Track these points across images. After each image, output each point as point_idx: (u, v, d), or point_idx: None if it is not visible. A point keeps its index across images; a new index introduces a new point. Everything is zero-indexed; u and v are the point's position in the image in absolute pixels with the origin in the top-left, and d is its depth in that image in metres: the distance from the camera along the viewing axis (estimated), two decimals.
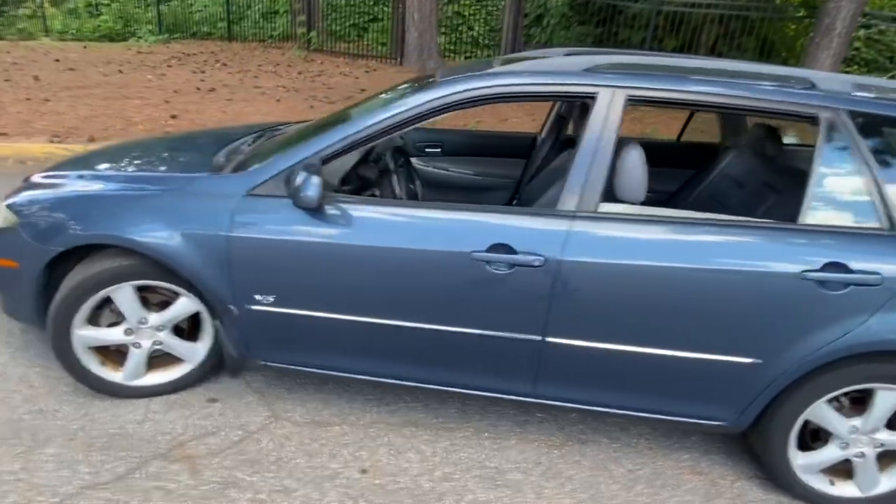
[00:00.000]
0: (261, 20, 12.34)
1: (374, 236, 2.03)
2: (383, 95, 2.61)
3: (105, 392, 2.38)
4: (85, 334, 2.25)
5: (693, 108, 2.03)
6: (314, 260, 2.07)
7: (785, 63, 9.17)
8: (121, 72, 8.65)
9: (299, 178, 1.95)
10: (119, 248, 2.18)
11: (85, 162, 2.67)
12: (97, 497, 1.96)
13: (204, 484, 2.04)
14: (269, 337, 2.23)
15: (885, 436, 2.05)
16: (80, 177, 2.38)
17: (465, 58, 11.05)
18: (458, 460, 2.25)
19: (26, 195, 2.32)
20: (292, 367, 2.30)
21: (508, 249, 1.97)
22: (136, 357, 2.34)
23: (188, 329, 2.42)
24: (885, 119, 1.96)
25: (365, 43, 11.46)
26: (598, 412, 2.20)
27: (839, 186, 1.93)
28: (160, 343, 2.35)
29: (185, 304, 2.29)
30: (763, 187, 2.66)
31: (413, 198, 2.49)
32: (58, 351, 2.25)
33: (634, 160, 1.99)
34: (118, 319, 2.30)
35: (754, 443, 2.22)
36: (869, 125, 1.94)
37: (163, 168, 2.45)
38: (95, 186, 2.27)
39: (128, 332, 2.30)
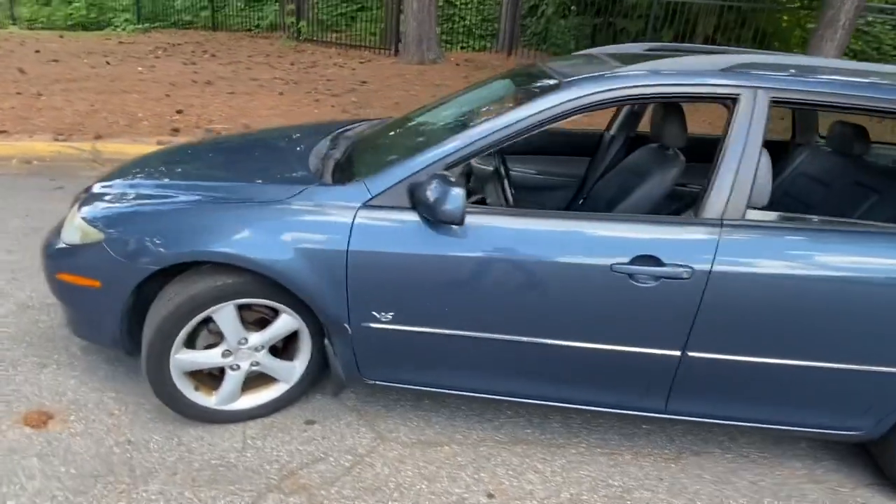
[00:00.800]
0: (246, 9, 11.92)
1: (509, 248, 1.91)
2: (488, 94, 2.48)
3: (196, 418, 2.21)
4: (183, 358, 2.08)
5: (836, 110, 1.96)
6: (441, 274, 1.94)
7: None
8: (108, 63, 8.24)
9: (436, 190, 1.81)
10: (219, 265, 2.01)
11: (147, 168, 2.48)
12: None
13: None
14: (384, 355, 2.10)
15: None
16: (161, 186, 2.20)
17: (461, 48, 10.89)
18: (579, 479, 2.16)
19: (106, 208, 2.12)
20: (404, 385, 2.17)
21: (655, 261, 1.87)
22: (233, 380, 2.17)
23: (282, 347, 2.27)
24: None
25: (355, 33, 11.18)
26: (728, 426, 2.13)
27: None
28: (257, 364, 2.19)
29: (286, 322, 2.13)
30: (856, 187, 2.62)
31: (512, 204, 2.37)
32: (153, 378, 2.07)
33: (763, 163, 1.92)
34: (216, 341, 2.13)
35: (880, 450, 2.18)
36: None
37: (253, 177, 2.27)
38: (185, 198, 2.08)
39: (226, 353, 2.13)
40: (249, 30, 11.71)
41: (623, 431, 2.42)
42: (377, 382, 2.17)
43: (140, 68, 8.12)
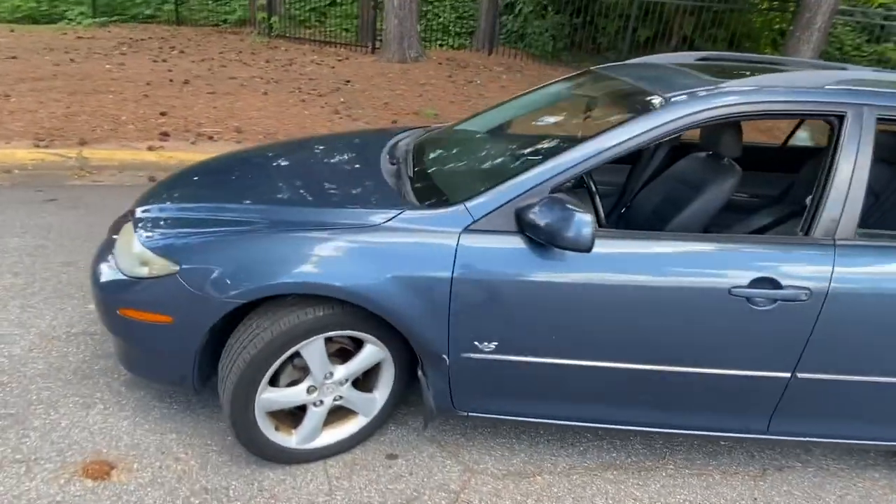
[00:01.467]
0: (211, 3, 11.44)
1: (629, 272, 1.83)
2: (561, 104, 2.39)
3: (273, 459, 2.05)
4: (269, 397, 1.92)
5: None
6: (554, 301, 1.84)
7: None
8: (73, 61, 7.72)
9: (555, 215, 1.70)
10: (306, 296, 1.86)
11: (191, 187, 2.29)
12: None
13: None
14: (484, 386, 1.99)
15: None
16: (223, 210, 2.03)
17: (439, 45, 10.73)
18: None
19: (172, 235, 1.93)
20: (501, 416, 2.06)
21: (773, 284, 1.82)
22: (315, 416, 2.02)
23: (361, 379, 2.13)
24: None
25: (328, 29, 10.88)
26: (826, 443, 2.12)
27: None
28: (340, 398, 2.04)
29: (371, 353, 2.00)
30: None
31: (605, 222, 2.29)
32: (237, 420, 1.90)
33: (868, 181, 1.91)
34: (300, 377, 1.97)
35: None
36: None
37: (327, 198, 2.11)
38: (260, 222, 1.92)
39: (310, 389, 1.97)
40: (216, 25, 11.23)
41: (705, 450, 2.38)
42: (471, 414, 2.06)
43: (108, 66, 7.64)
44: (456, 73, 8.53)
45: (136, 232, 2.00)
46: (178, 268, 1.85)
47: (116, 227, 2.24)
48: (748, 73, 2.23)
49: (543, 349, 1.90)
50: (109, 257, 2.06)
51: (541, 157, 1.95)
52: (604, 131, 1.89)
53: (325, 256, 1.83)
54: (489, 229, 1.84)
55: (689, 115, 1.86)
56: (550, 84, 2.79)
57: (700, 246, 1.88)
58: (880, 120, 1.90)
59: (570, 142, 1.94)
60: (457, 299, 1.82)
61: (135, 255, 1.94)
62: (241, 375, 1.84)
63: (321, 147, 2.75)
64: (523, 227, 1.80)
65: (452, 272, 1.81)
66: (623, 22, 9.54)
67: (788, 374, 1.93)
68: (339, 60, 9.42)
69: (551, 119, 2.38)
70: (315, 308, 1.85)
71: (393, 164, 2.38)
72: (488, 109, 2.94)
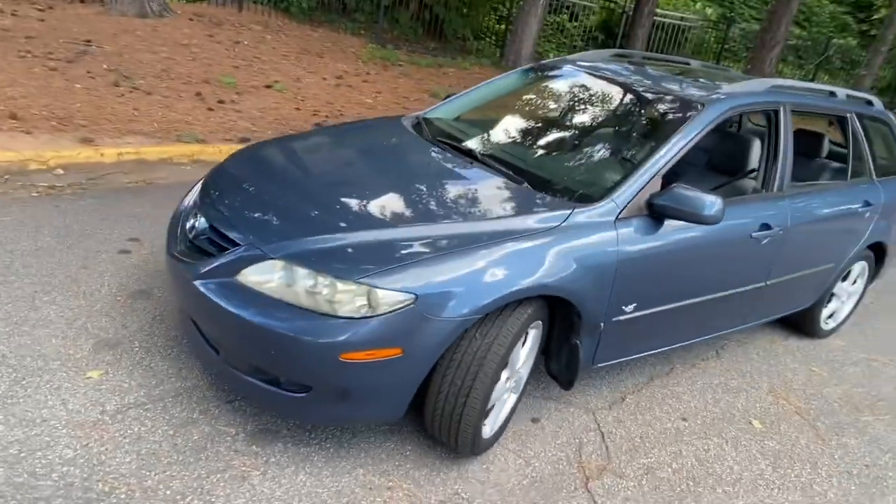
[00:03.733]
0: None
1: (713, 232, 2.48)
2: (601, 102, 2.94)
3: (477, 453, 2.22)
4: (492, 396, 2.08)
5: None
6: (678, 261, 2.46)
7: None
8: None
9: (690, 200, 2.23)
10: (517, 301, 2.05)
11: (306, 212, 2.15)
12: None
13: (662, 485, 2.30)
14: (621, 340, 2.47)
15: None
16: (390, 232, 2.03)
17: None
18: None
19: (383, 265, 1.86)
20: (624, 359, 2.61)
21: (767, 226, 2.75)
22: (507, 403, 2.26)
23: None
24: None
25: None
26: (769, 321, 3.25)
27: None
28: (520, 380, 2.31)
29: (536, 336, 2.29)
30: None
31: None
32: (467, 427, 2.03)
33: None
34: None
35: None
36: None
37: (491, 208, 2.30)
38: (453, 237, 2.03)
39: (508, 379, 2.19)
40: None
41: (690, 356, 3.30)
42: (601, 365, 2.52)
43: None
44: (215, 31, 7.72)
45: (320, 270, 1.84)
46: (413, 297, 1.83)
47: (231, 270, 1.93)
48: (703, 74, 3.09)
49: (665, 299, 2.49)
50: (273, 305, 1.84)
51: (632, 151, 2.46)
52: (675, 132, 2.47)
53: (534, 260, 2.04)
54: (629, 216, 2.29)
55: (724, 112, 2.58)
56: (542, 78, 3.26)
57: (735, 209, 2.65)
58: (793, 112, 2.93)
59: (648, 137, 2.50)
60: (619, 276, 2.25)
61: (348, 293, 1.81)
62: (484, 382, 1.96)
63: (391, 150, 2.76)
64: (657, 210, 2.30)
65: (617, 255, 2.22)
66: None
67: (764, 283, 2.92)
68: (41, 11, 7.53)
69: (584, 113, 2.89)
70: (525, 308, 2.06)
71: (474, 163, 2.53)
72: (466, 93, 3.25)
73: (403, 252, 1.93)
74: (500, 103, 3.24)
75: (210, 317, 2.00)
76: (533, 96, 3.28)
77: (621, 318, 2.38)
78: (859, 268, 3.63)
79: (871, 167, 3.44)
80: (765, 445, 2.65)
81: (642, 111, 2.88)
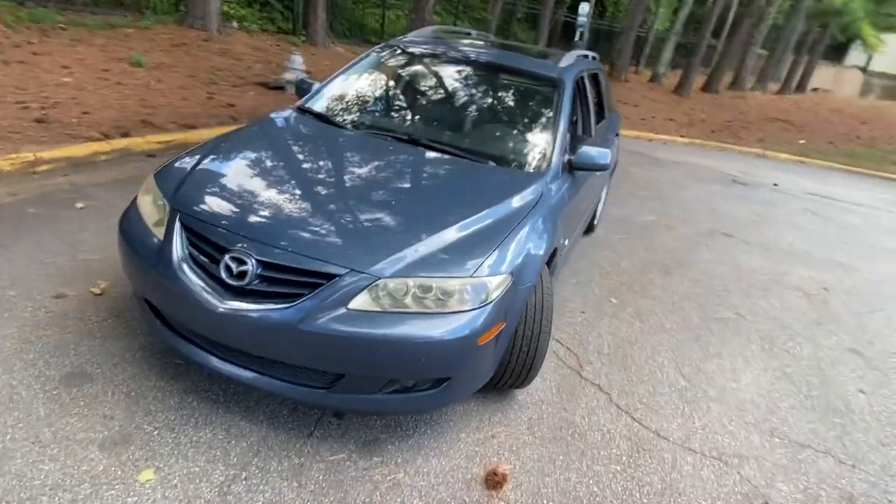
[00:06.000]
0: None
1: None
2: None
3: (525, 386, 2.71)
4: None
5: None
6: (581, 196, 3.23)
7: None
8: None
9: (597, 155, 2.97)
10: None
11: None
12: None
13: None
14: (567, 256, 3.16)
15: None
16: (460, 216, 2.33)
17: None
18: None
19: (487, 255, 2.17)
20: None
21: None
22: None
23: None
24: None
25: None
26: None
27: None
28: None
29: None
30: None
31: None
32: (536, 363, 2.52)
33: None
34: None
35: None
36: None
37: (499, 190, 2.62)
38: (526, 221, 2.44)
39: None
40: None
41: None
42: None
43: None
44: None
45: (431, 275, 2.05)
46: (510, 275, 2.18)
47: (340, 301, 1.96)
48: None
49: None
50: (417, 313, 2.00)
51: (539, 126, 3.11)
52: (560, 103, 3.16)
53: (547, 224, 2.55)
54: (559, 173, 2.94)
55: (577, 75, 3.38)
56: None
57: None
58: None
59: (544, 109, 3.16)
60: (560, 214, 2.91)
61: (470, 287, 2.06)
62: (548, 324, 2.47)
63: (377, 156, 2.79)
64: (574, 167, 2.99)
65: (560, 201, 2.86)
66: None
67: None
68: None
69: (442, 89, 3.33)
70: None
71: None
72: (335, 77, 3.36)
73: (477, 243, 2.21)
74: (377, 85, 3.43)
75: (331, 352, 1.97)
76: (408, 76, 3.53)
77: (565, 242, 3.07)
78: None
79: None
80: None
81: (520, 88, 3.48)
